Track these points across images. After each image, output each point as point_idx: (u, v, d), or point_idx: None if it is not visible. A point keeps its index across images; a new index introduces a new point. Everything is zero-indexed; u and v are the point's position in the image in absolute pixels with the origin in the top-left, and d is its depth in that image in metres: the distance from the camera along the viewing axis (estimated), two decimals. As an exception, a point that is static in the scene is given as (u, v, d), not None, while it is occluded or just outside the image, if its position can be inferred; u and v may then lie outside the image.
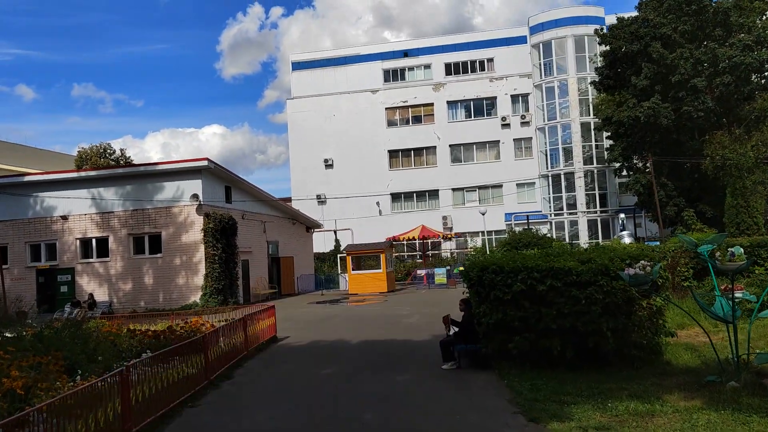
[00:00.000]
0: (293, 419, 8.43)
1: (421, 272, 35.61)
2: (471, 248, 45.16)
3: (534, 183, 50.92)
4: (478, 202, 50.04)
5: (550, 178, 49.85)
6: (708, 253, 8.91)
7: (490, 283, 9.95)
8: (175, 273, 27.39)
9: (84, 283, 28.28)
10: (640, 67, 36.61)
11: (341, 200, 49.20)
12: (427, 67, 55.22)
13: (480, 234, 46.73)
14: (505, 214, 49.74)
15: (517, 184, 50.31)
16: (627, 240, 32.21)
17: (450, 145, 52.62)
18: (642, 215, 44.73)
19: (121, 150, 52.58)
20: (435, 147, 52.82)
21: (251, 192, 31.83)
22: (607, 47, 39.26)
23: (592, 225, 48.09)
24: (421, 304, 23.68)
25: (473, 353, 10.84)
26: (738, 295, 9.12)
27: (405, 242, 41.84)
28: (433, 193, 52.51)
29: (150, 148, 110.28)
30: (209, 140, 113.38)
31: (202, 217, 27.08)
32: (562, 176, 49.10)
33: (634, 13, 39.09)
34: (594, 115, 45.62)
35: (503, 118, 51.59)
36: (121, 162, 48.47)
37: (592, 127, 47.29)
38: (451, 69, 54.75)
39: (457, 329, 11.26)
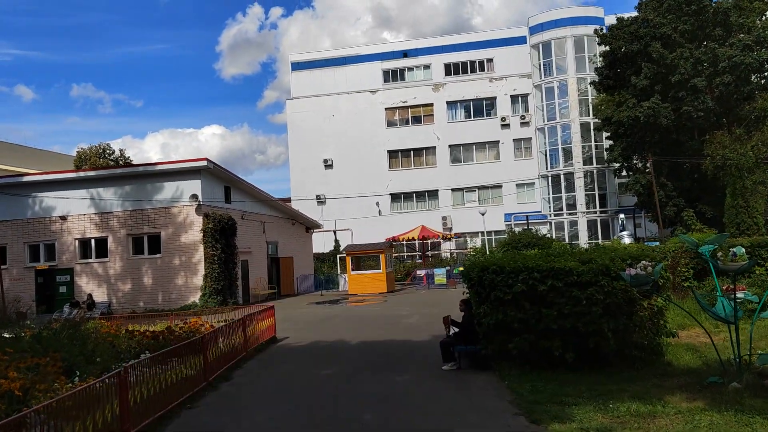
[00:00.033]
0: (293, 420, 8.39)
1: (421, 272, 35.58)
2: (470, 248, 45.11)
3: (533, 183, 50.89)
4: (477, 202, 50.00)
5: (549, 178, 49.83)
6: (709, 253, 8.87)
7: (491, 284, 9.91)
8: (174, 273, 27.34)
9: (83, 283, 28.23)
10: (639, 67, 36.58)
11: (341, 200, 49.16)
12: (427, 67, 55.19)
13: (479, 234, 46.70)
14: (505, 214, 49.71)
15: (516, 185, 50.30)
16: (627, 240, 32.15)
17: (449, 146, 52.59)
18: (642, 215, 44.71)
19: (121, 150, 52.62)
20: (434, 147, 52.79)
21: (251, 192, 31.79)
22: (607, 47, 39.22)
23: (591, 225, 48.06)
24: (421, 305, 23.65)
25: (473, 354, 10.80)
26: (740, 295, 9.09)
27: (404, 242, 41.81)
28: (433, 194, 52.47)
29: (149, 149, 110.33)
30: (209, 141, 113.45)
31: (201, 217, 27.03)
32: (562, 176, 49.07)
33: (634, 14, 39.06)
34: (593, 115, 45.59)
35: (503, 119, 51.56)
36: (121, 162, 48.43)
37: (592, 127, 47.26)
38: (451, 69, 54.73)
39: (457, 330, 11.22)
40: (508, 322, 9.76)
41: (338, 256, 42.29)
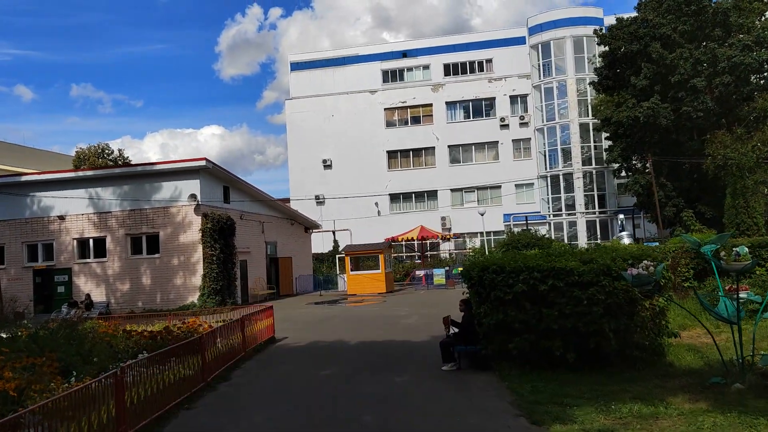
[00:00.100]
0: (292, 420, 8.32)
1: (420, 273, 35.51)
2: (469, 249, 45.05)
3: (533, 184, 50.84)
4: (476, 202, 49.93)
5: (548, 178, 49.78)
6: (711, 252, 8.80)
7: (491, 283, 9.85)
8: (172, 273, 27.25)
9: (81, 283, 28.14)
10: (639, 67, 36.54)
11: (340, 201, 49.09)
12: (426, 67, 55.14)
13: (479, 235, 46.64)
14: (504, 214, 49.65)
15: (515, 185, 50.25)
16: (626, 241, 32.14)
17: (449, 146, 52.53)
18: (641, 216, 44.66)
19: (120, 150, 52.60)
20: (434, 147, 52.73)
21: (249, 192, 31.70)
22: (607, 48, 39.17)
23: (590, 226, 48.01)
24: (420, 305, 23.59)
25: (473, 354, 10.73)
26: (743, 295, 9.02)
27: (404, 243, 41.72)
28: (432, 194, 52.41)
29: (148, 149, 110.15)
30: (208, 141, 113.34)
31: (200, 217, 26.94)
32: (561, 177, 49.03)
33: (634, 14, 39.02)
34: (593, 115, 45.55)
35: (502, 119, 51.51)
36: (119, 162, 48.33)
37: (591, 127, 47.23)
38: (450, 70, 54.68)
39: (457, 330, 11.15)
40: (509, 322, 9.69)
41: (337, 256, 42.22)
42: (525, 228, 42.21)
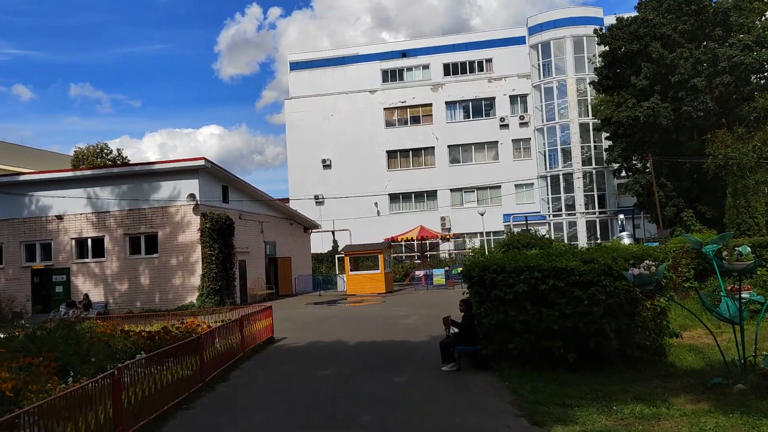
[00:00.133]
0: (291, 420, 8.27)
1: (420, 273, 35.45)
2: (469, 249, 44.99)
3: (532, 184, 50.80)
4: (476, 202, 49.87)
5: (548, 178, 49.73)
6: (713, 252, 8.74)
7: (491, 283, 9.80)
8: (171, 273, 27.18)
9: (79, 283, 28.06)
10: (639, 67, 36.49)
11: (339, 201, 49.03)
12: (426, 67, 55.08)
13: (478, 235, 46.60)
14: (504, 214, 49.60)
15: (515, 185, 50.20)
16: (626, 241, 32.09)
17: (448, 146, 52.47)
18: (641, 216, 44.61)
19: (118, 150, 52.52)
20: (433, 147, 52.67)
21: (248, 192, 31.63)
22: (607, 47, 39.12)
23: (590, 226, 47.96)
24: (420, 305, 23.53)
25: (473, 354, 10.68)
26: (745, 295, 8.94)
27: (403, 243, 41.68)
28: (432, 194, 52.36)
29: (147, 149, 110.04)
30: (207, 141, 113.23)
31: (198, 217, 26.87)
32: (561, 177, 48.98)
33: (634, 14, 38.97)
34: (592, 115, 45.52)
35: (502, 119, 51.46)
36: (118, 162, 48.25)
37: (591, 127, 47.19)
38: (450, 69, 54.63)
39: (456, 330, 11.10)
40: (509, 322, 9.64)
41: (336, 256, 42.17)
42: (525, 228, 42.16)
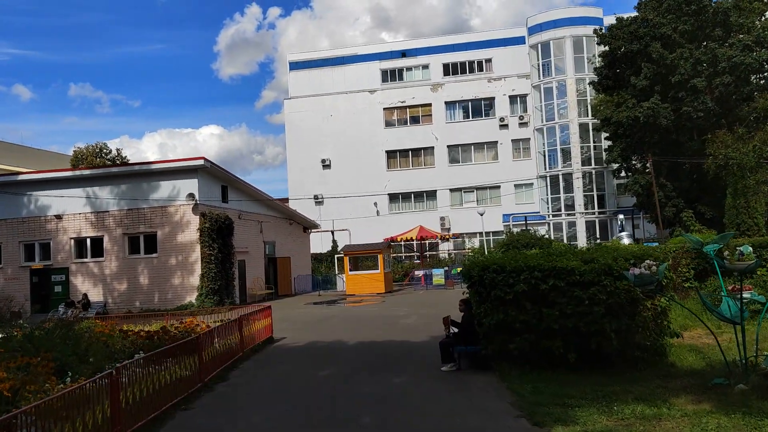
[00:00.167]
0: (290, 420, 8.23)
1: (419, 273, 35.41)
2: (469, 249, 44.95)
3: (532, 184, 50.76)
4: (476, 202, 49.83)
5: (548, 179, 49.69)
6: (714, 252, 8.71)
7: (492, 283, 9.76)
8: (170, 273, 27.12)
9: (78, 283, 28.00)
10: (639, 67, 36.46)
11: (339, 200, 48.99)
12: (425, 67, 55.04)
13: (478, 235, 46.57)
14: (503, 215, 49.56)
15: (515, 185, 50.15)
16: (626, 241, 32.04)
17: (448, 146, 52.42)
18: (640, 216, 44.60)
19: (118, 150, 52.44)
20: (433, 147, 52.63)
21: (248, 192, 31.58)
22: (607, 47, 39.08)
23: (590, 226, 47.93)
24: (419, 305, 23.50)
25: (473, 354, 10.64)
26: (746, 295, 8.91)
27: (403, 243, 41.63)
28: (431, 194, 52.31)
29: (147, 149, 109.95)
30: (206, 141, 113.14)
31: (198, 216, 26.82)
32: (560, 177, 48.94)
33: (634, 14, 38.94)
34: (592, 116, 45.47)
35: (501, 119, 51.42)
36: (117, 162, 48.19)
37: (591, 128, 47.15)
38: (449, 69, 54.58)
39: (456, 330, 11.06)
40: (509, 321, 9.60)
41: (336, 256, 42.10)
42: (524, 228, 42.11)
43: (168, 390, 8.78)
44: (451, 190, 51.69)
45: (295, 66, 56.66)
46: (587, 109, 47.80)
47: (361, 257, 33.50)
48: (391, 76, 55.23)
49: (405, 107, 53.54)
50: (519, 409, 7.87)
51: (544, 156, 49.97)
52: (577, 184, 48.14)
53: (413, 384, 9.81)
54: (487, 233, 43.65)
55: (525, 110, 51.67)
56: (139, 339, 11.65)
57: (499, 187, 50.19)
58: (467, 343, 10.59)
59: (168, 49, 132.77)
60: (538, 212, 49.73)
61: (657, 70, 35.73)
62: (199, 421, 8.42)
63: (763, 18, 36.48)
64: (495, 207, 49.06)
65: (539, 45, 50.05)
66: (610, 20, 42.86)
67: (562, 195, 48.84)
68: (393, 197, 52.48)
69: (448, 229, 48.46)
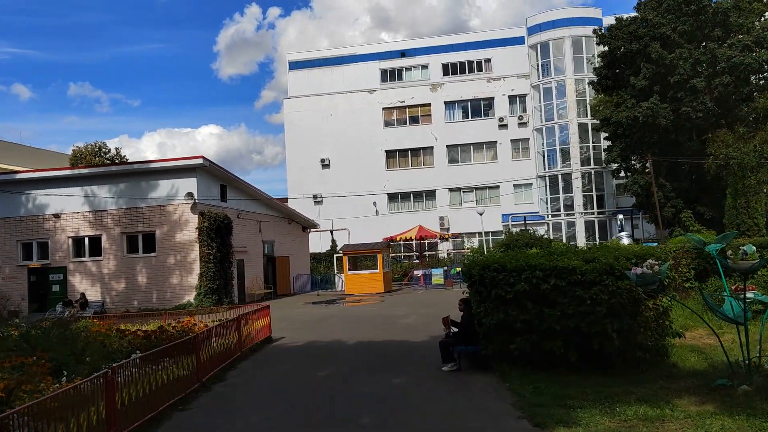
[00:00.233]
0: (289, 420, 8.15)
1: (418, 273, 35.35)
2: (468, 249, 44.87)
3: (531, 184, 50.70)
4: (475, 202, 49.76)
5: (547, 179, 49.63)
6: (716, 252, 8.63)
7: (492, 282, 9.67)
8: (169, 272, 27.02)
9: (76, 282, 27.89)
10: (638, 67, 36.41)
11: (338, 200, 48.90)
12: (425, 67, 54.96)
13: (477, 235, 46.50)
14: (502, 215, 49.50)
15: (514, 185, 50.09)
16: (625, 241, 31.95)
17: (447, 146, 52.35)
18: (639, 216, 44.55)
19: (117, 149, 52.32)
20: (432, 147, 52.56)
21: (247, 191, 31.48)
22: (606, 47, 39.03)
23: (589, 226, 47.87)
24: (418, 305, 23.42)
25: (473, 354, 10.56)
26: (749, 295, 8.83)
27: (402, 243, 41.56)
28: (430, 194, 52.24)
29: (146, 148, 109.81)
30: (206, 140, 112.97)
31: (196, 215, 26.72)
32: (560, 177, 48.88)
33: (633, 14, 38.89)
34: (591, 116, 45.43)
35: (500, 119, 51.35)
36: (116, 161, 48.07)
37: (590, 128, 47.12)
38: (449, 69, 54.51)
39: (456, 330, 10.97)
40: (510, 321, 9.52)
41: (335, 255, 42.00)
42: (523, 228, 42.05)
43: (165, 390, 8.69)
44: (451, 190, 51.62)
45: (295, 66, 56.58)
46: (586, 110, 47.75)
47: (360, 257, 33.42)
48: (391, 76, 55.15)
49: (404, 107, 53.47)
50: (520, 409, 7.79)
51: (544, 156, 49.91)
52: (577, 184, 48.09)
53: (413, 384, 9.73)
54: (487, 233, 43.57)
55: (524, 110, 51.61)
56: (136, 338, 11.56)
57: (498, 187, 50.12)
58: (467, 343, 10.51)
59: (168, 49, 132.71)
60: (537, 212, 49.68)
61: (656, 71, 35.69)
62: (197, 421, 8.33)
63: (763, 18, 36.46)
64: (494, 207, 48.99)
65: (538, 45, 49.99)
66: (609, 20, 42.83)
67: (561, 195, 48.78)
68: (392, 197, 52.40)
69: (448, 229, 48.39)
